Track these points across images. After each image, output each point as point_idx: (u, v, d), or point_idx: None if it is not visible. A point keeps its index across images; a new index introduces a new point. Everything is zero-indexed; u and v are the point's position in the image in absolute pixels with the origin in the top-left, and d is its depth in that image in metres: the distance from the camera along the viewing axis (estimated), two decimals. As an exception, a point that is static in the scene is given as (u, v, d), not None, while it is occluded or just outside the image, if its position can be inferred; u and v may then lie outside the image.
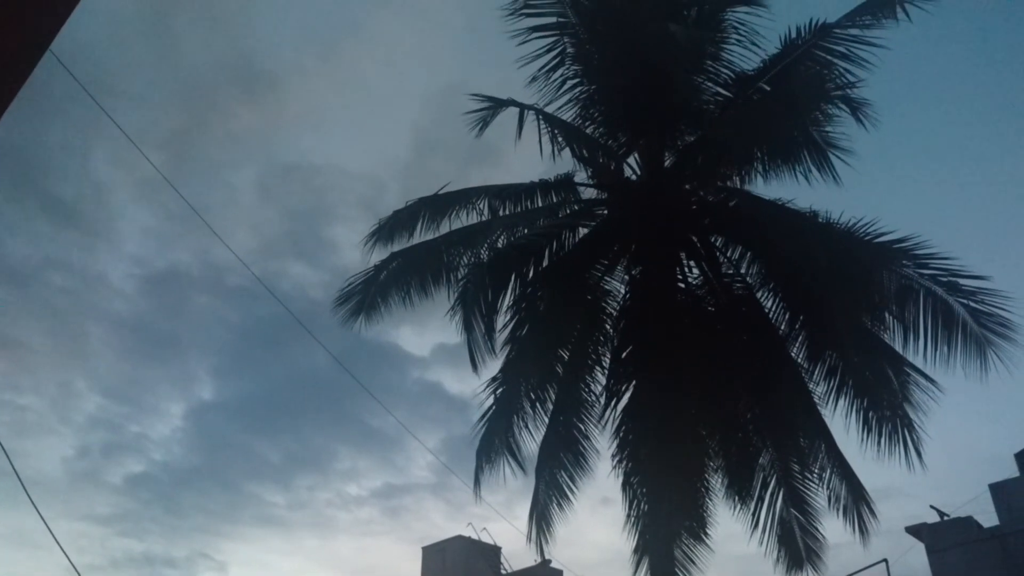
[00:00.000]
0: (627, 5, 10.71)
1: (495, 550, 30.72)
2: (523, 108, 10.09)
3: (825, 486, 10.77)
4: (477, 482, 11.24)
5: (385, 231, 11.50)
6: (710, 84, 10.96)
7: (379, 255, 11.46)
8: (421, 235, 11.43)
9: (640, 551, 10.57)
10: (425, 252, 11.25)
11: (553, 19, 10.94)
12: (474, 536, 30.37)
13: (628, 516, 10.67)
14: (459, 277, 10.92)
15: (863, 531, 10.54)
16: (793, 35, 10.39)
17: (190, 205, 11.47)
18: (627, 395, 10.86)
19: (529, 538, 11.39)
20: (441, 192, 11.45)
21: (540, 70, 11.06)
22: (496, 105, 10.21)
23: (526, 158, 10.08)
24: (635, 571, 10.54)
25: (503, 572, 30.60)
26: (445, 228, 11.36)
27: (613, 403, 10.93)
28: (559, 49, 11.02)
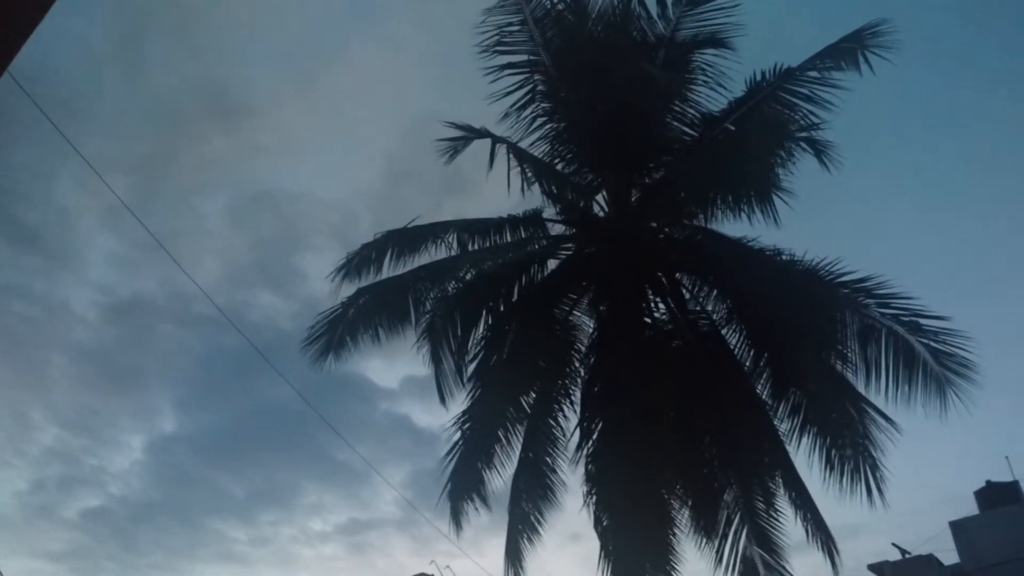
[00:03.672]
0: (597, 46, 10.87)
1: (458, 588, 30.28)
2: (495, 140, 10.16)
3: (781, 524, 10.82)
4: (457, 524, 11.16)
5: (353, 265, 11.38)
6: (677, 124, 11.18)
7: (347, 290, 11.38)
8: (389, 269, 11.35)
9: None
10: (393, 287, 11.19)
11: (524, 57, 11.11)
12: (437, 574, 29.96)
13: (600, 553, 10.59)
14: (426, 311, 10.89)
15: (834, 566, 10.59)
16: (758, 78, 10.66)
17: (152, 235, 11.32)
18: (595, 430, 10.85)
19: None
20: (410, 225, 11.43)
21: (512, 106, 11.20)
22: (469, 135, 10.28)
23: (500, 190, 10.13)
24: None
25: (466, 610, 30.19)
26: (413, 262, 11.31)
27: (582, 438, 10.91)
28: (530, 87, 11.17)
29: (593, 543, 10.61)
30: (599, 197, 11.48)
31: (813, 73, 10.43)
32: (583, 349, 11.44)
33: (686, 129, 11.21)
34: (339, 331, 11.05)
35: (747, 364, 10.87)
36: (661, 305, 11.44)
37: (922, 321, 9.69)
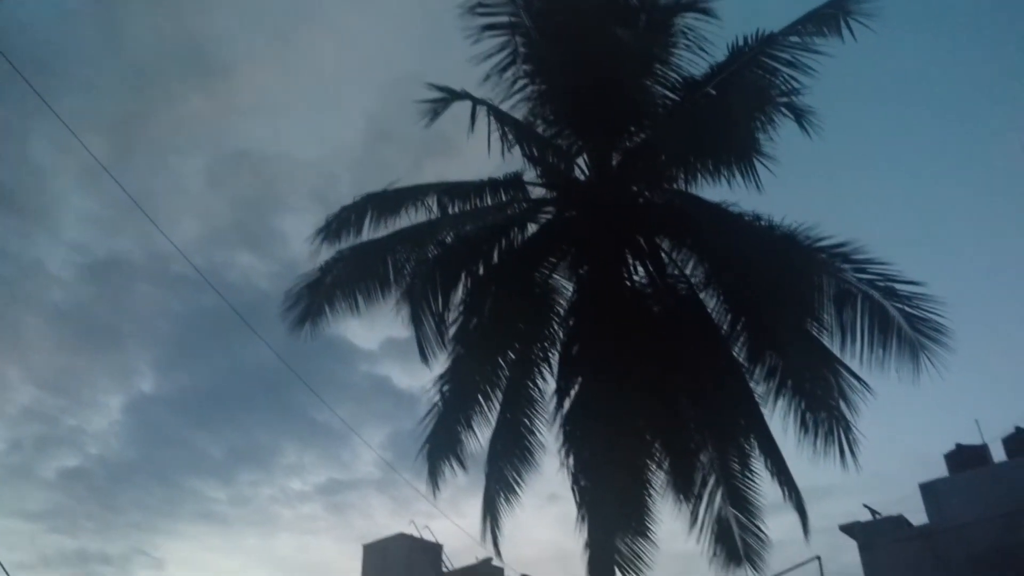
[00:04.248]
0: (578, 8, 10.79)
1: (437, 548, 30.55)
2: (475, 102, 10.12)
3: (756, 485, 11.01)
4: (434, 485, 11.22)
5: (332, 229, 11.32)
6: (658, 87, 11.14)
7: (327, 253, 11.32)
8: (369, 232, 11.30)
9: (587, 547, 10.64)
10: (373, 250, 11.17)
11: (506, 19, 10.99)
12: (416, 534, 30.18)
13: (578, 513, 10.70)
14: (406, 274, 10.89)
15: (805, 527, 10.82)
16: (740, 43, 10.64)
17: (128, 194, 11.17)
18: (573, 392, 10.95)
19: (483, 536, 11.42)
20: (390, 188, 11.37)
21: (493, 68, 11.10)
22: (450, 96, 10.23)
23: (480, 152, 10.10)
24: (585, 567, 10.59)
25: (444, 570, 30.48)
26: (393, 225, 11.27)
27: (560, 400, 11.01)
28: (511, 48, 11.07)
29: (570, 503, 10.76)
30: (580, 160, 11.47)
31: (795, 39, 10.42)
32: (562, 312, 11.51)
33: (667, 93, 11.18)
34: (317, 299, 11.03)
35: (724, 327, 10.98)
36: (640, 269, 11.50)
37: (897, 286, 9.82)
